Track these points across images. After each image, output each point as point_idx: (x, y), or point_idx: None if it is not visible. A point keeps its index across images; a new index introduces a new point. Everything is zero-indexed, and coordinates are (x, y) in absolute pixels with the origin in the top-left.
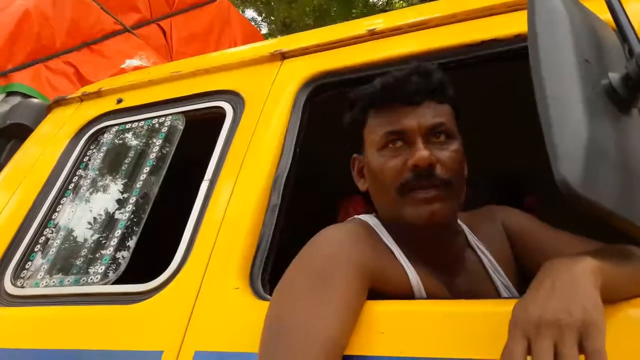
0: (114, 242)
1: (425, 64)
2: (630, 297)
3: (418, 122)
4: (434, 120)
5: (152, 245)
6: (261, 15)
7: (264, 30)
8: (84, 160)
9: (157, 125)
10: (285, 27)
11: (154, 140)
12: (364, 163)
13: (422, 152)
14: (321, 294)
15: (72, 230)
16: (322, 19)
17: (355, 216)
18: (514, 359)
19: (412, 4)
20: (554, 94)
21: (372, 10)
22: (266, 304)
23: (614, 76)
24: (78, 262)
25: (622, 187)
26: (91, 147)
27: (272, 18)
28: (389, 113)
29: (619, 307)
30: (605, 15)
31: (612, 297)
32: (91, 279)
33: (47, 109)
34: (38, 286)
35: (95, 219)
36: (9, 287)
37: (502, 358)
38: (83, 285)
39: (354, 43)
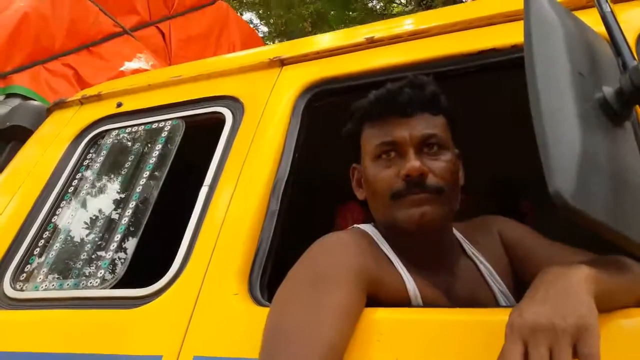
0: (113, 246)
1: (420, 76)
2: (623, 307)
3: (410, 134)
4: (426, 131)
5: (151, 250)
6: (259, 19)
7: (261, 34)
8: (84, 163)
9: (156, 130)
10: (282, 32)
11: (154, 145)
12: (362, 173)
13: (413, 163)
14: (320, 300)
15: (71, 234)
16: (319, 24)
17: (355, 225)
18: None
19: (410, 8)
20: (548, 107)
21: (371, 14)
22: (265, 310)
23: (608, 90)
24: (77, 266)
25: (616, 200)
26: (91, 151)
27: (270, 22)
28: (382, 125)
29: (612, 317)
30: (600, 28)
31: (605, 306)
32: (90, 283)
33: (47, 112)
34: (37, 289)
35: (94, 222)
36: (8, 290)
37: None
38: (82, 289)
39: (353, 50)
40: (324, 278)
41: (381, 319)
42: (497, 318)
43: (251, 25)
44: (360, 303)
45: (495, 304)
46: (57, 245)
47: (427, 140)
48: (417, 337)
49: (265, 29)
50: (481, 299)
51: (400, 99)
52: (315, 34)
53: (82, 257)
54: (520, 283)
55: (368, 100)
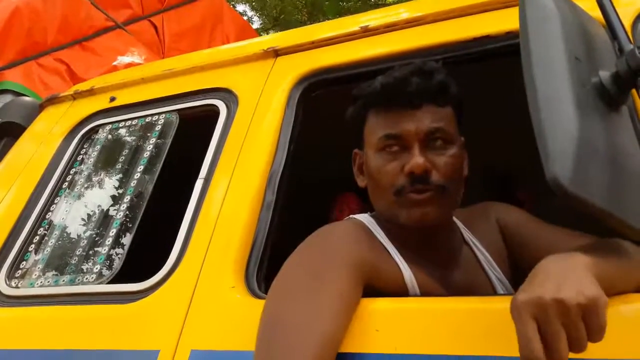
0: (108, 240)
1: (429, 63)
2: (622, 293)
3: (416, 127)
4: (432, 125)
5: (147, 244)
6: (253, 10)
7: (256, 25)
8: (78, 158)
9: (150, 124)
10: (277, 22)
11: (148, 139)
12: (363, 159)
13: (417, 159)
14: (317, 290)
15: (66, 229)
16: (314, 14)
17: (351, 216)
18: (532, 343)
19: None
20: (545, 93)
21: (365, 3)
22: (262, 302)
23: (604, 74)
24: (73, 261)
25: (613, 184)
26: (85, 146)
27: (265, 13)
28: (387, 115)
29: (610, 303)
30: (596, 13)
31: (604, 292)
32: (86, 278)
33: (39, 107)
34: (33, 286)
35: (89, 217)
36: (3, 288)
37: (520, 344)
38: (78, 284)
39: (348, 40)
40: (319, 269)
41: (379, 309)
42: (495, 306)
43: (245, 18)
44: (356, 293)
45: (493, 291)
46: (52, 242)
47: (433, 135)
48: (415, 327)
49: (260, 21)
50: (478, 287)
51: (407, 89)
52: (310, 24)
53: (77, 252)
54: (518, 270)
55: (374, 88)
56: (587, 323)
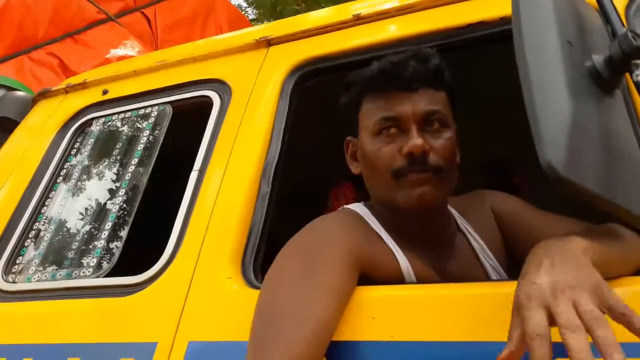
0: (105, 234)
1: (424, 48)
2: (616, 277)
3: (413, 109)
4: (429, 107)
5: (143, 237)
6: (247, 3)
7: (252, 16)
8: (72, 152)
9: (143, 116)
10: (272, 13)
11: (142, 131)
12: (357, 147)
13: (415, 140)
14: (311, 278)
15: (62, 223)
16: (310, 3)
17: (345, 206)
18: (540, 327)
19: None
20: (537, 78)
21: None
22: (258, 292)
23: (597, 58)
24: (70, 255)
25: (607, 169)
26: (78, 139)
27: (259, 1)
28: (384, 98)
29: None
30: None
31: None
32: (83, 272)
33: (32, 102)
34: (30, 281)
35: (85, 211)
36: (0, 283)
37: (526, 330)
38: (75, 278)
39: (341, 28)
40: (313, 258)
41: (375, 297)
42: (491, 292)
43: (239, 9)
44: (351, 282)
45: (487, 280)
46: (48, 236)
47: (430, 117)
48: (411, 314)
49: (255, 13)
50: (473, 276)
51: (404, 73)
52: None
53: (73, 246)
54: (513, 257)
55: (370, 73)
56: (606, 305)
